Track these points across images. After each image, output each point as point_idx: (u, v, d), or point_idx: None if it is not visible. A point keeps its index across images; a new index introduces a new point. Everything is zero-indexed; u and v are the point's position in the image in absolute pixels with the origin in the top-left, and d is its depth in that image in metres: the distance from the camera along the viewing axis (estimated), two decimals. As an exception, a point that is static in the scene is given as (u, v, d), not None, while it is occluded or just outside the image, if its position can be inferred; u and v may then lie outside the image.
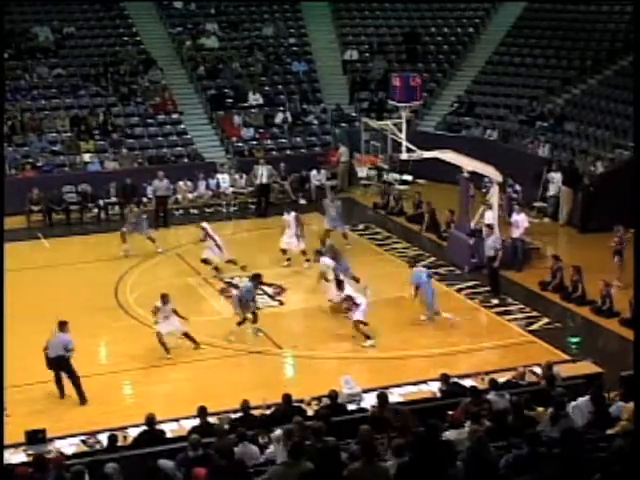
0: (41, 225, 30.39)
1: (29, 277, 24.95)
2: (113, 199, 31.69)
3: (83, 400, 18.10)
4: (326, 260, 22.95)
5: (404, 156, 26.61)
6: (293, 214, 25.98)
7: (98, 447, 14.89)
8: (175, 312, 20.08)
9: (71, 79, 36.45)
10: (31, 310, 22.03)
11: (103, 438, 14.94)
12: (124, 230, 26.99)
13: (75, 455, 14.25)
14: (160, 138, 35.09)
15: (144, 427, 14.57)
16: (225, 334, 20.86)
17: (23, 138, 33.74)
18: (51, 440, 15.24)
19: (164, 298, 19.89)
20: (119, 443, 14.32)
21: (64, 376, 18.22)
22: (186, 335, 20.21)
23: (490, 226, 24.45)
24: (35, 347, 18.67)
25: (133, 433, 14.90)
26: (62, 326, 18.20)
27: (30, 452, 14.64)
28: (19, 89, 35.49)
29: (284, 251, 25.69)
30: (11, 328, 18.79)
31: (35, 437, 15.17)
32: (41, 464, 12.64)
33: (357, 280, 22.81)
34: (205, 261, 24.85)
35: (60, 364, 18.17)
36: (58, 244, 28.67)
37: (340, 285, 21.19)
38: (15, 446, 15.01)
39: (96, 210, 31.38)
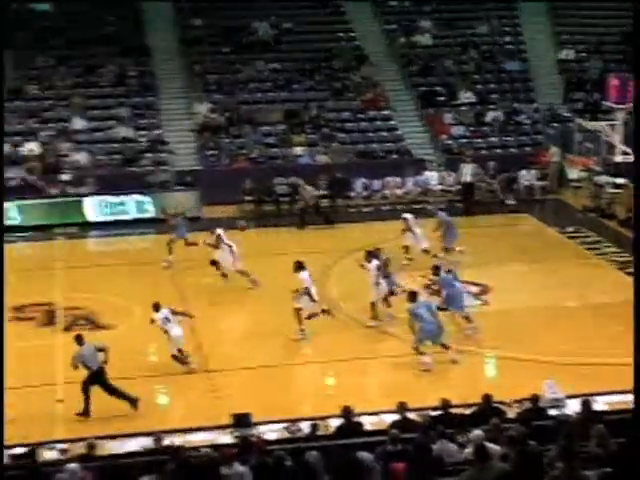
0: (252, 215, 31.27)
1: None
2: (323, 192, 32.25)
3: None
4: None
5: (618, 158, 25.91)
6: (407, 215, 26.04)
7: (300, 435, 15.25)
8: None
9: (286, 73, 37.34)
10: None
11: (305, 426, 15.28)
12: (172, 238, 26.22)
13: (277, 441, 14.67)
14: (370, 134, 35.48)
15: (341, 419, 14.83)
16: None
17: (238, 130, 34.83)
18: (256, 424, 15.76)
19: None
20: (320, 432, 14.62)
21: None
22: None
23: None
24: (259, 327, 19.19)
25: (334, 423, 15.18)
26: (80, 339, 17.85)
27: (236, 434, 15.18)
28: (237, 82, 36.70)
29: (406, 248, 25.64)
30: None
31: (241, 420, 15.72)
32: (245, 447, 13.11)
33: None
34: (214, 262, 24.42)
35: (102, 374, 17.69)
36: (266, 234, 29.43)
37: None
38: (223, 427, 15.60)
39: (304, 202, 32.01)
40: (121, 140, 34.12)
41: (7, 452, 14.43)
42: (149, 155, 33.67)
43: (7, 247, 29.06)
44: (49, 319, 22.36)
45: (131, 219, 30.69)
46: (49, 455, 15.02)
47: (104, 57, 36.96)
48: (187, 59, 37.49)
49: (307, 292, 20.57)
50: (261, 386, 18.52)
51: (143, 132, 34.65)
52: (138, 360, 19.44)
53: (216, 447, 13.43)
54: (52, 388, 18.34)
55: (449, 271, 21.48)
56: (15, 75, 36.06)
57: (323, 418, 15.58)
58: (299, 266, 20.81)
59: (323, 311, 20.90)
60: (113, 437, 15.87)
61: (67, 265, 25.87)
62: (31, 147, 32.99)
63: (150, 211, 31.03)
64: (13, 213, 30.37)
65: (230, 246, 24.20)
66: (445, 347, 19.39)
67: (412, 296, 19.69)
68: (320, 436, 14.45)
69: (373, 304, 21.49)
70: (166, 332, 19.02)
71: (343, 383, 19.05)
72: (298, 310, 20.51)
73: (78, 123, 34.43)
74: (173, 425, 16.18)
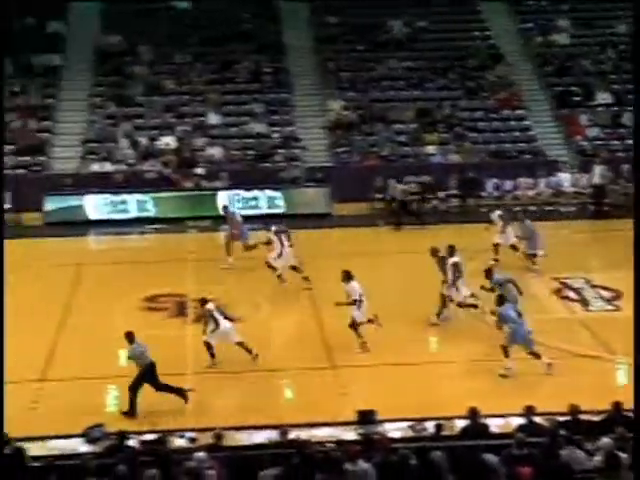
0: (383, 213, 31.29)
1: (362, 262, 25.56)
2: (453, 191, 32.07)
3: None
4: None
5: None
6: (497, 212, 25.73)
7: (425, 434, 15.22)
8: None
9: (420, 72, 37.23)
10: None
11: (430, 426, 15.23)
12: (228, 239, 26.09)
13: (401, 439, 14.66)
14: (503, 133, 35.10)
15: (467, 420, 14.74)
16: (559, 335, 20.54)
17: (370, 128, 34.91)
18: (380, 422, 15.79)
19: None
20: (445, 432, 14.56)
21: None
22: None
23: None
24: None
25: (459, 424, 15.09)
26: (131, 336, 17.88)
27: (361, 431, 15.25)
28: (370, 80, 36.78)
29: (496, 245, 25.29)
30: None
31: (366, 417, 15.77)
32: (369, 444, 13.16)
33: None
34: (269, 265, 24.16)
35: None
36: (395, 232, 29.42)
37: None
38: (347, 424, 15.69)
39: (435, 201, 31.86)
40: (255, 136, 34.60)
41: (138, 438, 14.85)
42: (281, 151, 34.06)
43: (141, 238, 30.10)
44: (180, 310, 22.86)
45: (262, 214, 31.11)
46: (178, 443, 15.36)
47: (240, 54, 37.56)
48: (321, 56, 37.78)
49: (357, 302, 19.99)
50: (387, 384, 18.52)
51: (276, 128, 35.06)
52: (264, 354, 19.67)
53: (340, 443, 13.53)
54: (182, 378, 18.71)
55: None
56: (153, 70, 36.96)
57: (448, 418, 15.50)
58: (347, 276, 20.18)
59: (369, 320, 20.32)
60: (240, 429, 16.11)
61: (199, 258, 26.36)
62: (167, 141, 33.76)
63: (281, 207, 31.41)
64: (148, 205, 31.18)
65: (283, 245, 24.02)
66: (536, 355, 19.01)
67: (500, 299, 19.39)
68: (445, 436, 14.40)
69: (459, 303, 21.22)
70: (216, 324, 19.14)
71: (466, 384, 18.90)
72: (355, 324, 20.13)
73: (213, 118, 35.08)
74: (299, 419, 16.33)
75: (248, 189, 31.59)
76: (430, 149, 34.15)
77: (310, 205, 31.33)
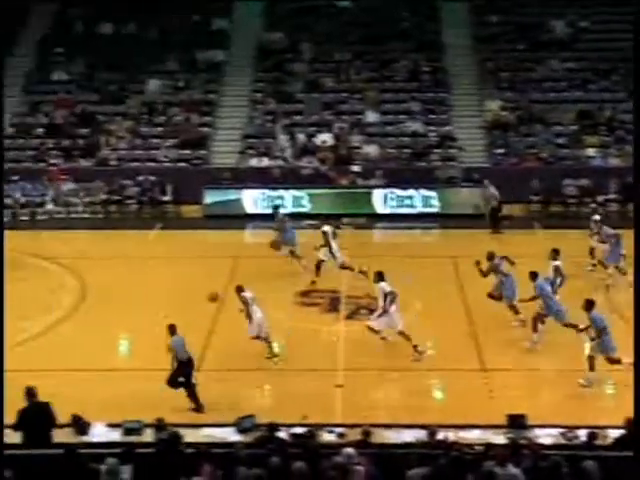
0: (540, 215, 30.86)
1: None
2: (612, 196, 31.33)
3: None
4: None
5: None
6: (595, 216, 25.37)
7: (577, 442, 14.94)
8: None
9: (582, 73, 36.49)
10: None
11: (582, 434, 14.94)
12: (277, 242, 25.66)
13: (552, 446, 14.42)
14: (667, 137, 34.04)
15: (623, 430, 14.38)
16: None
17: (529, 129, 34.41)
18: (532, 427, 15.59)
19: None
20: (598, 442, 14.25)
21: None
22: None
23: None
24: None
25: (613, 434, 14.75)
26: (173, 328, 17.87)
27: (510, 435, 15.09)
28: (530, 80, 36.26)
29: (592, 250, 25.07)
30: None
31: (516, 422, 15.61)
32: (518, 449, 13.00)
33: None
34: (318, 265, 24.12)
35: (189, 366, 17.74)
36: (553, 235, 28.90)
37: None
38: (497, 427, 15.56)
39: (594, 205, 31.18)
40: (411, 134, 34.59)
41: (288, 431, 15.09)
42: (438, 150, 33.94)
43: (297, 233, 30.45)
44: (333, 306, 23.07)
45: (416, 213, 31.09)
46: (327, 438, 15.52)
47: (399, 52, 37.59)
48: (480, 56, 37.45)
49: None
50: (536, 389, 18.31)
51: (433, 127, 34.97)
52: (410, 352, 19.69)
53: (489, 446, 13.42)
54: (333, 373, 18.93)
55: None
56: (313, 68, 37.37)
57: (601, 427, 15.17)
58: (379, 277, 20.18)
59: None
60: (388, 426, 16.17)
61: (353, 254, 26.50)
62: (325, 138, 34.09)
63: (435, 206, 31.32)
64: (304, 201, 31.58)
65: (331, 245, 24.21)
66: (617, 362, 18.34)
67: (589, 304, 18.76)
68: (598, 446, 14.10)
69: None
70: (248, 316, 19.41)
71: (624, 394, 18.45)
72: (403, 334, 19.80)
73: (371, 116, 35.24)
74: (447, 420, 16.28)
75: (403, 188, 31.62)
76: (590, 152, 33.42)
77: (465, 206, 31.14)
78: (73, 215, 31.67)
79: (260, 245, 26.54)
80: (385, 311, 19.73)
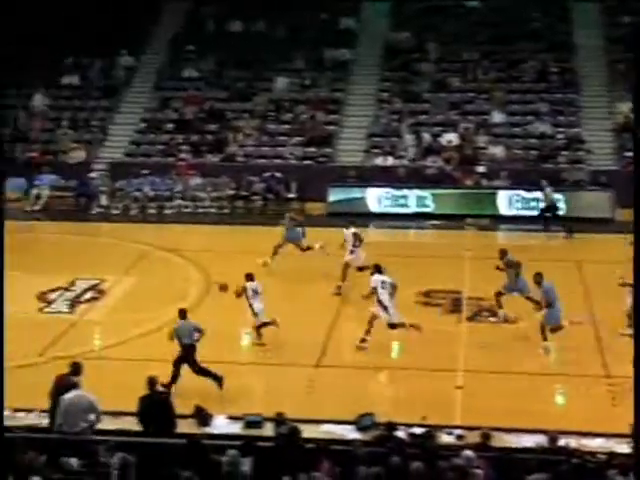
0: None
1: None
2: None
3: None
4: None
5: None
6: None
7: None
8: None
9: None
10: None
11: None
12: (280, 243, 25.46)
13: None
14: None
15: None
16: None
17: None
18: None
19: None
20: None
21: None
22: None
23: None
24: None
25: None
26: (183, 313, 18.42)
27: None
28: None
29: None
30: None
31: (640, 431, 15.26)
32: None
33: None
34: (361, 268, 23.54)
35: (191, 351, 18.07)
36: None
37: None
38: (620, 436, 15.26)
39: None
40: (538, 136, 34.16)
41: (407, 430, 15.11)
42: (565, 153, 33.42)
43: (420, 233, 30.46)
44: (454, 307, 22.98)
45: (539, 215, 30.69)
46: (446, 439, 15.49)
47: (528, 53, 37.17)
48: (611, 57, 36.71)
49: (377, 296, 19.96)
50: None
51: (561, 129, 34.46)
52: (535, 356, 19.47)
53: (612, 455, 13.20)
54: (452, 374, 18.87)
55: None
56: (440, 68, 37.24)
57: None
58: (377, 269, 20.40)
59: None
60: (508, 430, 16.02)
61: (475, 256, 26.37)
62: (450, 138, 33.94)
63: (562, 209, 30.85)
64: (428, 201, 31.51)
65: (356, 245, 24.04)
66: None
67: (538, 277, 18.60)
68: None
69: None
70: (250, 305, 20.14)
71: None
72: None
73: (497, 117, 34.94)
74: (569, 427, 16.04)
75: (528, 190, 31.24)
76: None
77: (592, 209, 30.61)
78: (200, 210, 32.27)
79: (384, 243, 26.61)
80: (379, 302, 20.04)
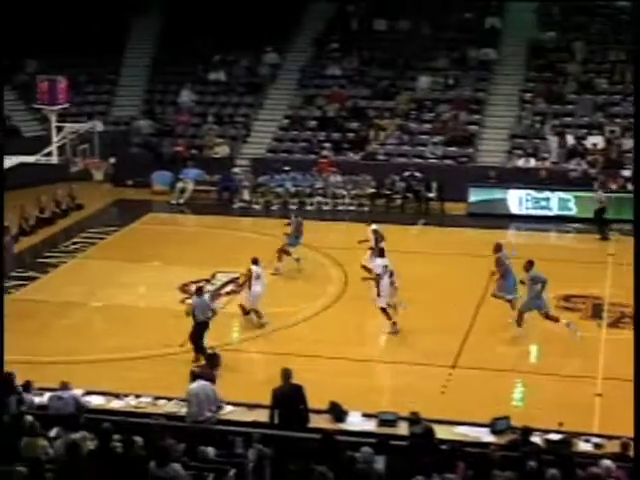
0: None
1: None
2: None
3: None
4: None
5: None
6: None
7: None
8: None
9: None
10: None
11: None
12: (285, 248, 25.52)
13: None
14: None
15: None
16: None
17: None
18: None
19: None
20: None
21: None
22: None
23: None
24: None
25: None
26: (201, 291, 20.17)
27: None
28: None
29: None
30: None
31: None
32: None
33: None
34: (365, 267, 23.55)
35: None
36: None
37: None
38: None
39: None
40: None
41: (542, 436, 14.92)
42: None
43: (561, 236, 29.96)
44: (595, 312, 22.55)
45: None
46: (583, 447, 15.22)
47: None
48: None
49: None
50: None
51: None
52: None
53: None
54: (591, 381, 18.54)
55: None
56: (586, 68, 36.52)
57: None
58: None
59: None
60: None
61: (618, 261, 25.79)
62: (595, 141, 33.26)
63: None
64: (570, 204, 30.97)
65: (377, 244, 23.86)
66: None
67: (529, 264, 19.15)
68: None
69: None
70: (249, 287, 21.29)
71: None
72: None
73: (644, 119, 34.02)
74: None
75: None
76: None
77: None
78: (340, 207, 32.46)
79: (523, 246, 26.25)
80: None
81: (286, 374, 15.04)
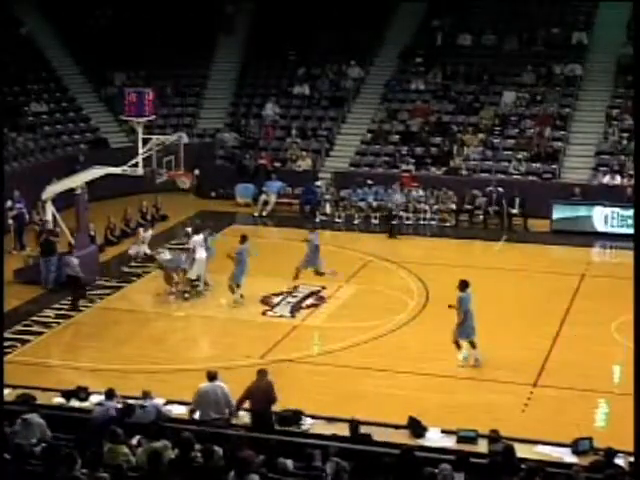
0: None
1: None
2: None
3: None
4: None
5: None
6: None
7: None
8: None
9: None
10: None
11: None
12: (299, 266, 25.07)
13: None
14: None
15: None
16: None
17: None
18: None
19: None
20: None
21: None
22: None
23: None
24: None
25: None
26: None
27: None
28: None
29: None
30: None
31: None
32: None
33: None
34: None
35: None
36: None
37: None
38: None
39: None
40: None
41: (627, 458, 14.63)
42: None
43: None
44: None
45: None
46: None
47: None
48: None
49: None
50: None
51: None
52: None
53: None
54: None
55: None
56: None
57: None
58: None
59: None
60: None
61: None
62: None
63: None
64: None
65: None
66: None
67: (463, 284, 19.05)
68: None
69: None
70: (193, 253, 23.49)
71: None
72: None
73: None
74: None
75: None
76: None
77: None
78: (422, 222, 32.35)
79: (609, 264, 25.89)
80: None
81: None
